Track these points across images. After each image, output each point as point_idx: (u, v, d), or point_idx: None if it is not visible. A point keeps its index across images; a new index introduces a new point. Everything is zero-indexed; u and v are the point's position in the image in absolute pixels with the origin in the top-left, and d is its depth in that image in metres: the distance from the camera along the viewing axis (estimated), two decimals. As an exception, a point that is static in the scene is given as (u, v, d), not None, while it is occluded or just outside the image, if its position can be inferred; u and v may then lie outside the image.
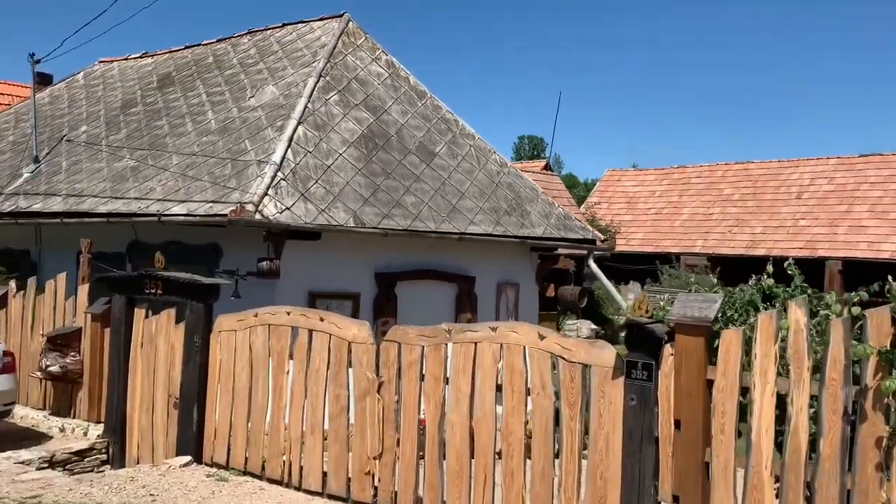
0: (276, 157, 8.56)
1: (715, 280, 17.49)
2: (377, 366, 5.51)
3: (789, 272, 5.31)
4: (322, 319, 5.80)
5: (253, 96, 9.93)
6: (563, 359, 4.70)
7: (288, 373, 6.00)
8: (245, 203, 7.97)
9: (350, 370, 5.66)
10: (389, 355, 5.47)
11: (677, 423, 4.28)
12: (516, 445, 4.88)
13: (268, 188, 8.23)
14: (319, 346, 5.79)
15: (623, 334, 4.64)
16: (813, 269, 21.07)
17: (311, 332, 5.86)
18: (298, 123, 9.04)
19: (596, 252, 10.61)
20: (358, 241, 9.05)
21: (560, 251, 10.67)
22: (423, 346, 5.31)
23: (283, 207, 8.21)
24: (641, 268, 19.99)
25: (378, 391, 5.47)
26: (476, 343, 5.08)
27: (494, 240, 9.61)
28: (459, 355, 5.15)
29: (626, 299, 17.96)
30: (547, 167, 23.82)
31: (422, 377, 5.32)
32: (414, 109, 10.43)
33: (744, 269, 21.75)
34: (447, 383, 5.21)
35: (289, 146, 8.76)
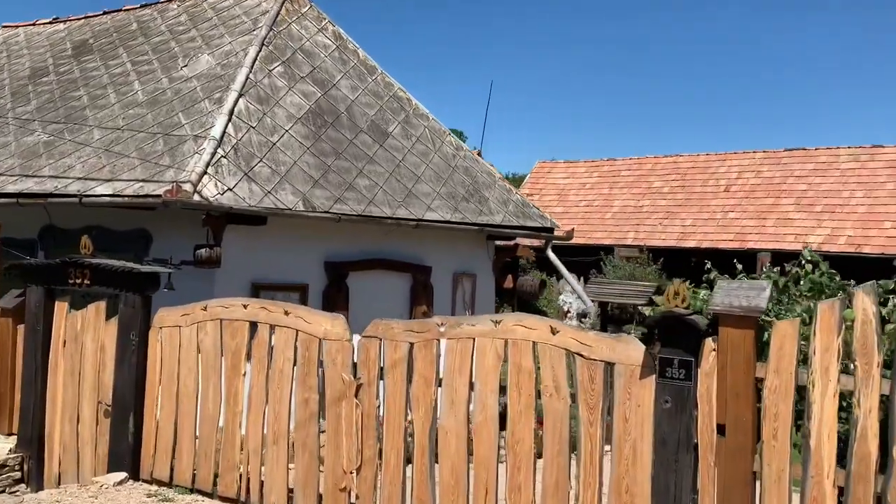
0: (216, 132, 7.66)
1: (658, 271, 17.41)
2: (354, 366, 4.79)
3: (809, 258, 4.87)
4: (287, 313, 5.02)
5: (186, 66, 8.94)
6: (581, 356, 4.11)
7: (245, 375, 5.19)
8: (182, 182, 7.06)
9: (322, 371, 4.91)
10: (369, 354, 4.75)
11: (721, 428, 3.75)
12: (524, 456, 4.26)
13: (207, 166, 7.34)
14: (283, 343, 5.01)
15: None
16: (743, 260, 21.40)
17: (272, 327, 5.08)
18: (239, 96, 8.15)
19: (554, 242, 10.13)
20: (306, 227, 8.25)
21: (518, 240, 10.13)
22: (411, 343, 4.62)
23: (225, 188, 7.33)
24: (586, 259, 19.75)
25: (356, 395, 4.75)
26: (475, 339, 4.43)
27: (453, 227, 8.97)
28: (455, 353, 4.48)
29: (565, 291, 17.67)
30: (479, 156, 23.34)
31: (409, 379, 4.63)
32: (364, 86, 9.65)
33: (676, 261, 21.79)
34: (440, 385, 4.55)
35: (229, 120, 7.87)
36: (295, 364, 4.97)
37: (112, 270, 5.58)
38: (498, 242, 10.19)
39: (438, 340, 4.55)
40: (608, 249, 21.90)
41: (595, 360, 4.07)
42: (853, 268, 19.62)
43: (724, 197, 22.81)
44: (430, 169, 9.38)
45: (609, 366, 4.06)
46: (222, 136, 7.66)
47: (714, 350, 3.78)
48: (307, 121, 8.61)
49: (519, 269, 9.97)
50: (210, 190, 7.20)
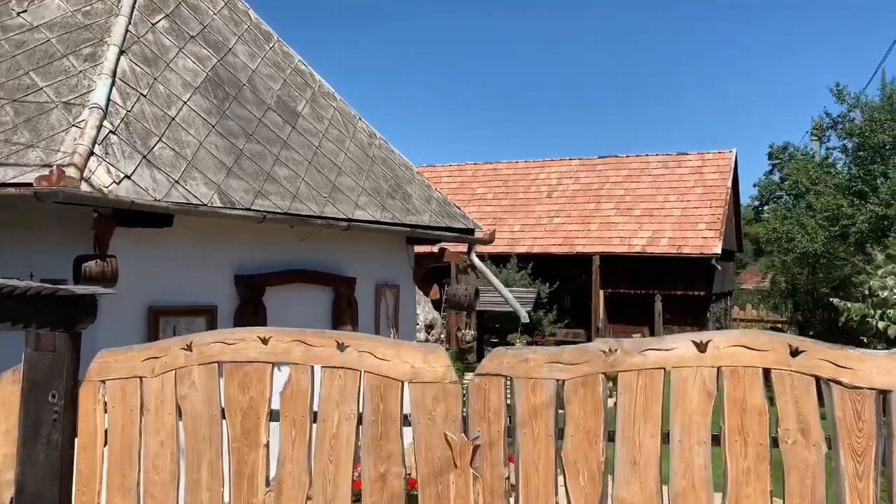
0: (98, 98, 5.51)
1: (529, 275, 16.80)
2: (464, 420, 3.23)
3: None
4: (342, 346, 3.31)
5: (25, 11, 6.49)
6: (839, 383, 2.95)
7: (267, 446, 3.39)
8: (63, 166, 4.89)
9: (408, 431, 3.29)
10: (490, 400, 3.22)
11: None
12: (757, 530, 3.00)
13: (94, 144, 5.20)
14: (339, 393, 3.31)
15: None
16: (573, 263, 21.63)
17: (315, 370, 3.36)
18: (121, 52, 6.00)
19: (478, 245, 8.90)
20: (214, 231, 6.30)
21: (443, 244, 8.77)
22: (559, 381, 3.17)
23: (121, 175, 5.24)
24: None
25: (472, 461, 3.19)
26: (665, 369, 3.10)
27: (385, 229, 7.41)
28: (634, 391, 3.12)
29: (424, 302, 16.45)
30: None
31: (560, 433, 3.18)
32: (263, 54, 7.75)
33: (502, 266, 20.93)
34: (611, 440, 3.15)
35: (113, 84, 5.73)
36: (359, 423, 3.29)
37: (12, 294, 3.45)
38: (417, 248, 8.77)
39: (604, 375, 3.16)
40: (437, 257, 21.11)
41: (862, 387, 2.94)
42: (675, 267, 20.59)
43: (547, 203, 23.03)
44: (350, 159, 7.74)
45: (882, 394, 2.95)
46: (107, 105, 5.52)
47: None
48: (206, 92, 6.62)
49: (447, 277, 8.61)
50: (101, 177, 5.08)
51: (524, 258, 20.65)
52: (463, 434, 3.21)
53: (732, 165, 21.95)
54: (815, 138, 17.97)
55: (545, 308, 15.95)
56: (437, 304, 16.68)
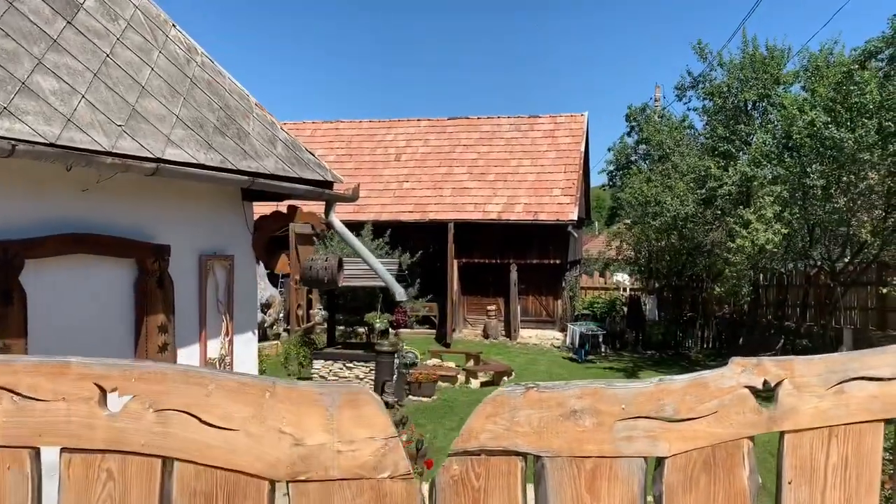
0: None
1: (386, 244, 14.83)
2: (426, 560, 1.34)
3: None
4: (111, 393, 1.30)
5: None
6: None
7: None
8: None
9: None
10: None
11: None
12: None
13: None
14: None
15: None
16: (424, 231, 19.94)
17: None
18: None
19: (338, 202, 6.88)
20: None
21: (292, 201, 6.65)
22: (656, 460, 1.36)
23: None
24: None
25: None
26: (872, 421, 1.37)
27: (204, 175, 5.22)
28: (820, 474, 1.37)
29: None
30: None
31: (653, 578, 1.37)
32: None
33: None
34: (765, 584, 1.38)
35: None
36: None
37: None
38: (257, 206, 6.63)
39: (750, 440, 1.38)
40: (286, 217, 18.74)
41: None
42: (530, 235, 19.52)
43: (395, 166, 21.19)
44: (158, 76, 5.45)
45: None
46: None
47: None
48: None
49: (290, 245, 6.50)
50: None
51: (379, 227, 18.78)
52: None
53: (585, 129, 21.17)
54: (677, 98, 17.30)
55: (406, 281, 14.26)
56: (272, 278, 14.47)
